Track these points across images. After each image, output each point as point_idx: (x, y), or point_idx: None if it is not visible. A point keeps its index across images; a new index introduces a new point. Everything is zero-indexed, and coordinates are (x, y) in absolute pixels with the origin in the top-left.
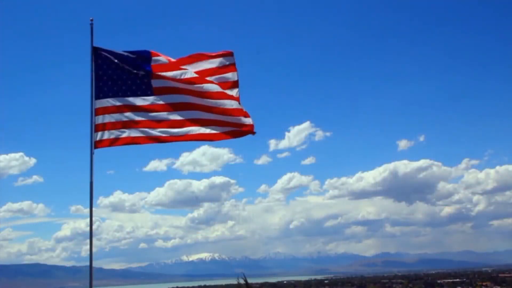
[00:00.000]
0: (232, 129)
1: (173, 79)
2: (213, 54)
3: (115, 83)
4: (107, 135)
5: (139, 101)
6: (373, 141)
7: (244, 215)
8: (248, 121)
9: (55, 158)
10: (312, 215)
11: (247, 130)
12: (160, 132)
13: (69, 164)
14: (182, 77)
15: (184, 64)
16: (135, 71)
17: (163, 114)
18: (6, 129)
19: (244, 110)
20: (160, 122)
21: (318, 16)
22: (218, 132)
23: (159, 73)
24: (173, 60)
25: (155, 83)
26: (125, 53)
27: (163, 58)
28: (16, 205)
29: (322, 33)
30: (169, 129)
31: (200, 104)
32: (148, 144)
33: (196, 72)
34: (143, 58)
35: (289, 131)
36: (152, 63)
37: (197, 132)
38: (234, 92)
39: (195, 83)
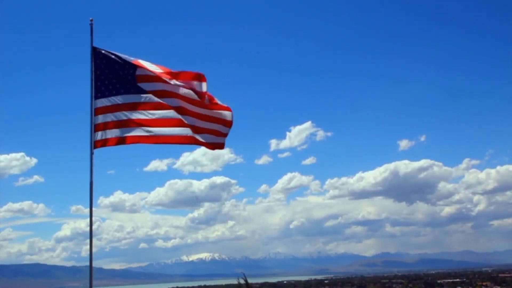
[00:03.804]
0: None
1: (160, 81)
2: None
3: (113, 82)
4: (106, 134)
5: (137, 100)
6: (374, 141)
7: (244, 215)
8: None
9: (56, 158)
10: (312, 215)
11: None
12: (159, 131)
13: (69, 164)
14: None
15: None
16: (127, 71)
17: (161, 113)
18: (7, 129)
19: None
20: (158, 121)
21: (319, 16)
22: (206, 140)
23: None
24: (157, 71)
25: (143, 86)
26: (119, 55)
27: (147, 71)
28: (16, 205)
29: (323, 33)
30: (168, 128)
31: (191, 110)
32: (148, 144)
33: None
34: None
35: (290, 131)
36: (137, 73)
37: (193, 135)
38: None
39: (182, 87)
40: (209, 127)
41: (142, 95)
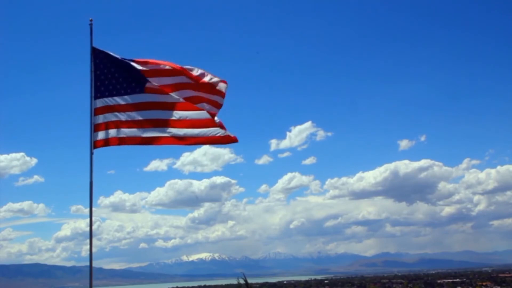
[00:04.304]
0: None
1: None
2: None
3: (112, 83)
4: (106, 134)
5: (137, 100)
6: (374, 141)
7: (244, 215)
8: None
9: (56, 158)
10: (312, 215)
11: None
12: (159, 132)
13: (70, 164)
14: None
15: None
16: (127, 72)
17: (161, 113)
18: (7, 129)
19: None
20: (157, 122)
21: (319, 16)
22: (212, 135)
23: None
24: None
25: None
26: (120, 58)
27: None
28: (16, 205)
29: (324, 33)
30: (168, 128)
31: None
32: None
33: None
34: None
35: (290, 131)
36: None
37: (195, 135)
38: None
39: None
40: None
41: (141, 95)
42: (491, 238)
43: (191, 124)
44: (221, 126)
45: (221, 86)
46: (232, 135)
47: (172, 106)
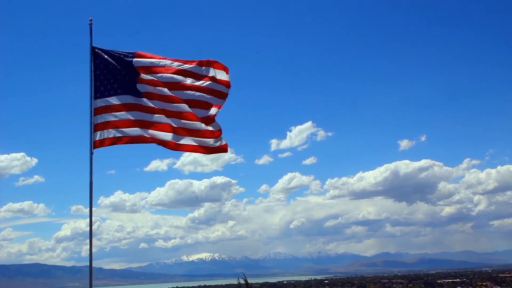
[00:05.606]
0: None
1: (158, 83)
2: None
3: (112, 82)
4: (106, 134)
5: (136, 101)
6: (374, 141)
7: (244, 215)
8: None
9: (56, 158)
10: (312, 215)
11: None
12: (157, 134)
13: (69, 164)
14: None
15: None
16: (127, 72)
17: (156, 117)
18: (7, 129)
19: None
20: (154, 125)
21: (319, 16)
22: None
23: (144, 77)
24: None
25: (141, 87)
26: (120, 53)
27: (146, 60)
28: (16, 205)
29: (324, 33)
30: (167, 133)
31: (188, 113)
32: (149, 144)
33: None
34: (129, 59)
35: (290, 131)
36: (136, 65)
37: (189, 143)
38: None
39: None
40: (203, 129)
41: (140, 97)
42: (491, 238)
43: (189, 132)
44: (216, 135)
45: (223, 75)
46: (224, 143)
47: (172, 114)
